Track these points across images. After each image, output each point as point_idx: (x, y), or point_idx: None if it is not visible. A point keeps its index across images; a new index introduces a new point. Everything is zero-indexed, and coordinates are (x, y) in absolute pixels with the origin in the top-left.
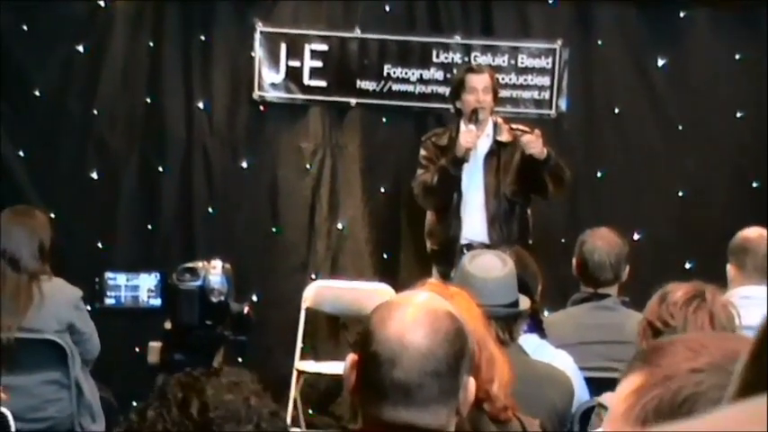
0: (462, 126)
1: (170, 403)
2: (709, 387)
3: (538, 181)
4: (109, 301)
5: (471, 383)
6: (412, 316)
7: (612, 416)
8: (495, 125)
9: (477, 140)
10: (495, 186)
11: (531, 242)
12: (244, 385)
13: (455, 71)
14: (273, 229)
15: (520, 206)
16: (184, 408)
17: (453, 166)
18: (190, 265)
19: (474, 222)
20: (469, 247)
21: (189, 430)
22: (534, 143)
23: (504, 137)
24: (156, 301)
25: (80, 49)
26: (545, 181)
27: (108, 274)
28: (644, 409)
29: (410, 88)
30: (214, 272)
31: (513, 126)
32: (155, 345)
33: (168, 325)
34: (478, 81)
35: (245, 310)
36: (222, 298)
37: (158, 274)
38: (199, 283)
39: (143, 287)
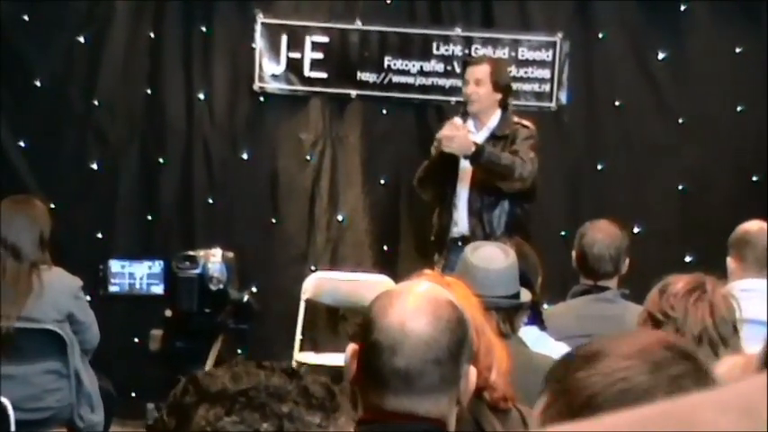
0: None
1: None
2: (605, 386)
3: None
4: (113, 289)
5: (472, 372)
6: (413, 304)
7: None
8: (502, 119)
9: (456, 134)
10: (480, 179)
11: (523, 236)
12: (252, 376)
13: (455, 63)
14: (273, 220)
15: (509, 200)
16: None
17: (440, 156)
18: (190, 253)
19: (462, 214)
20: (463, 239)
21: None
22: (449, 141)
23: (501, 131)
24: (159, 289)
25: (81, 39)
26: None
27: (112, 262)
28: (552, 422)
29: (410, 80)
30: (213, 260)
31: (515, 120)
32: (156, 332)
33: (169, 313)
34: (470, 72)
35: (245, 298)
36: (221, 286)
37: (162, 262)
38: (198, 270)
39: (147, 275)
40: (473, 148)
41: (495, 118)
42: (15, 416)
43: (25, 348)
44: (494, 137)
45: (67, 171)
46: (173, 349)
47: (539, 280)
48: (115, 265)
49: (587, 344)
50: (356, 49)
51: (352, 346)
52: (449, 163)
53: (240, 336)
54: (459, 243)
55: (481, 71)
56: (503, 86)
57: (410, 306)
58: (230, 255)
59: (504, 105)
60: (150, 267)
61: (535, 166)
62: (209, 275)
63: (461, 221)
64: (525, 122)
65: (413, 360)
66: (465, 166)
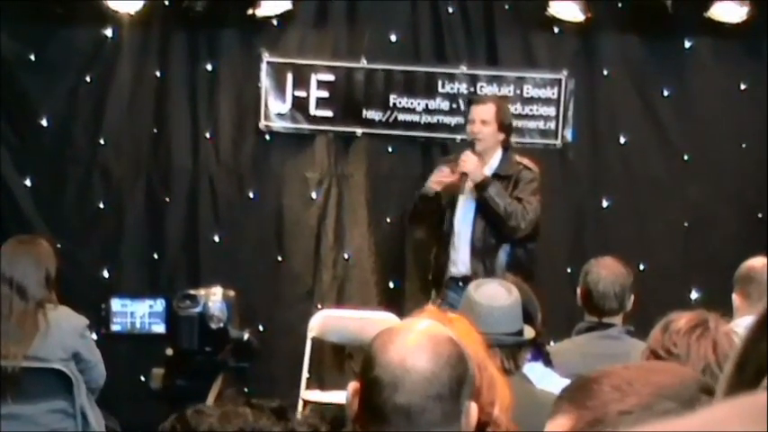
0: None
1: None
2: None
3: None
4: (115, 328)
5: (473, 409)
6: (414, 341)
7: None
8: (504, 158)
9: (471, 156)
10: (482, 218)
11: (525, 275)
12: (240, 417)
13: (460, 101)
14: (279, 258)
15: (511, 241)
16: None
17: (421, 199)
18: (190, 291)
19: (463, 254)
20: (465, 279)
21: None
22: (466, 163)
23: (504, 170)
24: (160, 328)
25: (87, 78)
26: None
27: (114, 301)
28: None
29: (416, 118)
30: (214, 298)
31: (518, 160)
32: (158, 371)
33: (170, 351)
34: (476, 112)
35: (246, 336)
36: (221, 324)
37: (163, 301)
38: (198, 309)
39: (149, 313)
40: (482, 177)
41: (496, 157)
42: None
43: (31, 388)
44: (496, 176)
45: (73, 210)
46: (174, 387)
47: (539, 316)
48: (116, 304)
49: (612, 370)
50: (361, 87)
51: (353, 384)
52: (432, 203)
53: (241, 374)
54: (461, 283)
55: (487, 111)
56: (506, 126)
57: (410, 343)
58: (231, 293)
59: (505, 145)
60: (151, 306)
61: (537, 212)
62: (209, 314)
63: (462, 261)
64: (528, 164)
65: (414, 396)
66: (464, 204)
